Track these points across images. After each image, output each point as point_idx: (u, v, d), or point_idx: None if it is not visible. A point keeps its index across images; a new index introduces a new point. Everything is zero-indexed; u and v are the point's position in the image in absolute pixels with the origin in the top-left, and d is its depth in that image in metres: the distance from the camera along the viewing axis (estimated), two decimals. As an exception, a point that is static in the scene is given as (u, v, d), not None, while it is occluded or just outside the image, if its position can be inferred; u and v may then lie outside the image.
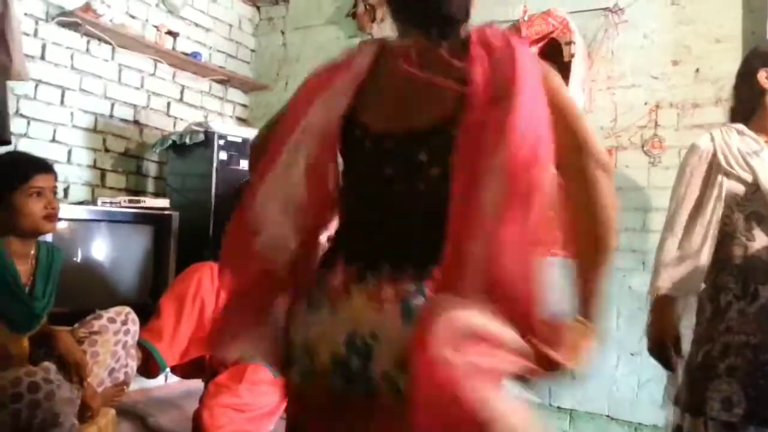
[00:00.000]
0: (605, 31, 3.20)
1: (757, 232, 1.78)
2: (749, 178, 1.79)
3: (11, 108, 2.79)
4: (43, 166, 1.93)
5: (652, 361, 2.94)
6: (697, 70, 3.04)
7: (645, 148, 3.13)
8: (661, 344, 1.86)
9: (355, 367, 1.00)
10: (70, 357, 1.84)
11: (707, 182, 1.85)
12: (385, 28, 3.80)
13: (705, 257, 1.80)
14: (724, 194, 1.81)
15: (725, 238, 1.83)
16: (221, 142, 3.30)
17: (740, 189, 1.81)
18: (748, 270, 1.78)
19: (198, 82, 3.94)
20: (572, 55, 2.95)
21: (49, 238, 2.39)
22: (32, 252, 1.94)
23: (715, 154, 1.84)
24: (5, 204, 1.83)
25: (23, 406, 1.52)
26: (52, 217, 1.91)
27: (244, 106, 4.33)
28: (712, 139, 1.87)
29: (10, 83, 2.72)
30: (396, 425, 0.95)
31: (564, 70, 2.95)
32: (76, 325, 2.00)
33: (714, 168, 1.85)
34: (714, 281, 1.84)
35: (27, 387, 1.53)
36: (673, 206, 1.90)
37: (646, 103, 3.14)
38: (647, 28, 3.15)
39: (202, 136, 3.29)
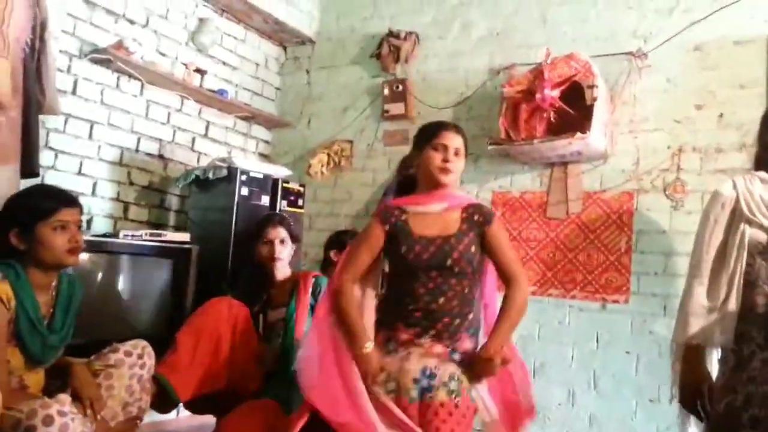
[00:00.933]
0: (628, 75, 3.21)
1: None
2: None
3: (41, 141, 2.85)
4: (70, 200, 1.95)
5: (672, 409, 2.88)
6: (721, 115, 3.03)
7: (667, 192, 3.10)
8: (695, 394, 1.81)
9: (425, 384, 1.87)
10: (85, 391, 1.84)
11: (730, 230, 1.82)
12: (408, 69, 3.86)
13: (733, 306, 1.76)
14: (746, 242, 1.78)
15: (748, 286, 1.78)
16: (243, 177, 3.34)
17: (762, 237, 1.78)
18: None
19: (223, 118, 4.02)
20: (595, 99, 2.96)
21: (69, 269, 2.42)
22: (53, 283, 1.95)
23: (737, 201, 1.82)
24: (30, 236, 1.84)
25: (37, 438, 1.51)
26: (75, 251, 1.90)
27: (267, 142, 4.39)
28: (735, 187, 1.85)
29: (42, 117, 2.79)
30: (446, 413, 1.83)
31: (586, 113, 2.96)
32: (92, 357, 2.00)
33: (737, 215, 1.82)
34: (737, 330, 1.80)
35: (42, 419, 1.52)
36: (699, 253, 1.87)
37: (668, 147, 3.13)
38: (670, 73, 3.16)
39: (225, 172, 3.33)
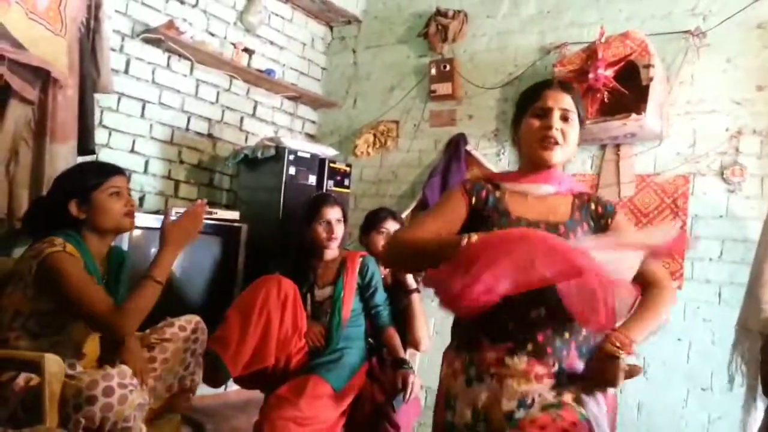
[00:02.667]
0: (686, 54, 3.10)
1: None
2: None
3: (96, 119, 2.92)
4: (118, 169, 2.04)
5: (725, 398, 2.82)
6: (784, 97, 2.91)
7: (724, 176, 3.00)
8: None
9: (521, 415, 1.40)
10: (134, 364, 1.88)
11: None
12: (456, 48, 3.81)
13: None
14: None
15: None
16: (291, 157, 3.36)
17: None
18: None
19: (270, 98, 4.04)
20: (651, 79, 2.87)
21: (125, 244, 2.48)
22: (106, 253, 2.02)
23: None
24: (88, 204, 1.92)
25: (97, 408, 1.56)
26: (131, 213, 1.99)
27: (313, 122, 4.40)
28: None
29: (96, 96, 2.85)
30: (537, 428, 1.36)
31: (641, 93, 2.88)
32: (147, 331, 2.05)
33: None
34: None
35: (103, 390, 1.57)
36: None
37: (727, 130, 3.02)
38: (730, 52, 3.04)
39: (273, 151, 3.36)
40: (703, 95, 3.09)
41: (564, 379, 1.44)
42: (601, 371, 1.40)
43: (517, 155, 1.74)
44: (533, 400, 1.42)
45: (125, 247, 2.44)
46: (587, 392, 1.42)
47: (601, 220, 1.60)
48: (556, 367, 1.45)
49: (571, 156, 1.65)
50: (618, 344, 1.38)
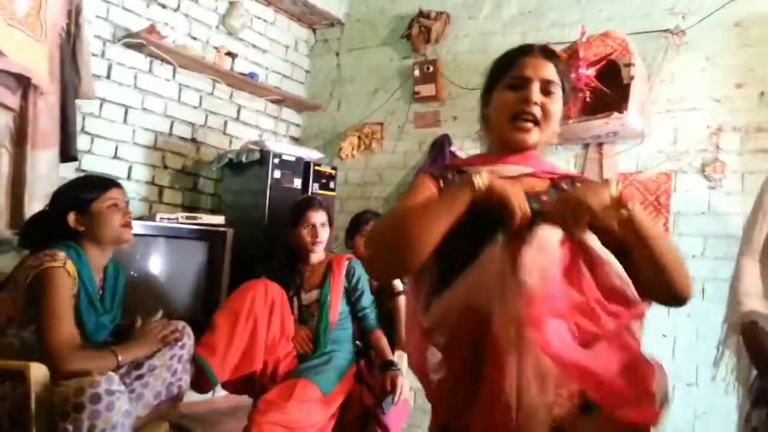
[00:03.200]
0: (665, 53, 3.14)
1: None
2: None
3: (77, 125, 2.90)
4: (115, 182, 2.07)
5: (710, 392, 2.85)
6: (762, 94, 2.95)
7: (705, 173, 3.04)
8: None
9: None
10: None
11: None
12: (439, 50, 3.82)
13: None
14: None
15: None
16: (276, 160, 3.35)
17: None
18: None
19: (254, 101, 4.03)
20: (631, 77, 2.90)
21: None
22: (104, 264, 2.05)
23: None
24: (88, 215, 1.95)
25: (85, 416, 1.54)
26: (129, 225, 2.03)
27: (297, 125, 4.40)
28: None
29: (78, 102, 2.83)
30: None
31: (623, 92, 2.91)
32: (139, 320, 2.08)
33: None
34: None
35: (89, 397, 1.56)
36: (749, 233, 1.88)
37: (707, 127, 3.06)
38: (709, 50, 3.08)
39: (258, 155, 3.35)
40: (684, 93, 3.13)
41: None
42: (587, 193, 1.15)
43: (485, 137, 1.43)
44: None
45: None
46: (550, 222, 1.16)
47: None
48: None
49: (552, 138, 1.37)
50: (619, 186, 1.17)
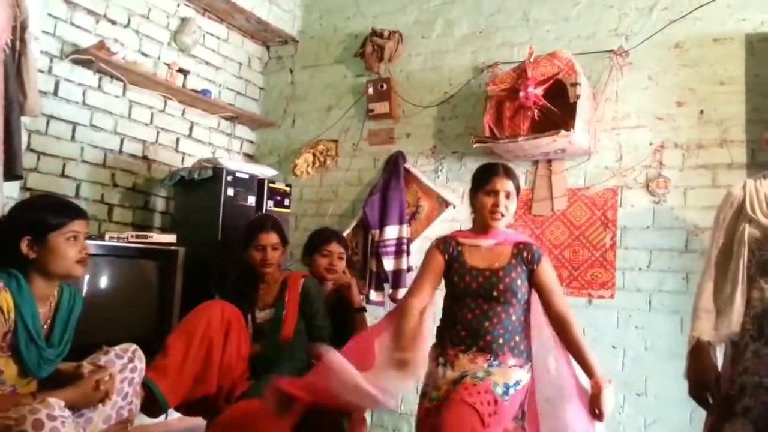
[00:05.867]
0: (610, 72, 3.25)
1: None
2: (767, 222, 1.82)
3: (23, 143, 2.82)
4: (82, 212, 1.93)
5: (660, 402, 2.93)
6: (702, 112, 3.08)
7: (650, 188, 3.14)
8: (701, 386, 1.87)
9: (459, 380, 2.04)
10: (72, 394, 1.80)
11: (734, 228, 1.90)
12: (392, 68, 3.87)
13: (738, 302, 1.83)
14: (746, 239, 1.84)
15: (748, 281, 1.85)
16: (229, 178, 3.32)
17: (757, 234, 1.84)
18: (764, 312, 1.79)
19: (207, 118, 3.99)
20: (578, 96, 2.99)
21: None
22: (53, 295, 1.92)
23: (743, 201, 1.89)
24: (43, 245, 1.82)
25: (28, 444, 1.50)
26: (84, 261, 1.90)
27: (251, 142, 4.38)
28: (744, 187, 1.94)
29: (23, 119, 2.75)
30: (463, 388, 1.94)
31: (569, 111, 2.99)
32: (84, 362, 1.98)
33: (742, 215, 1.89)
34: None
35: (31, 424, 1.52)
36: (709, 251, 1.98)
37: (650, 144, 3.17)
38: (651, 71, 3.20)
39: (210, 172, 3.31)
40: (628, 111, 3.24)
41: (495, 363, 2.09)
42: (596, 404, 2.06)
43: (473, 217, 2.36)
44: (468, 371, 2.05)
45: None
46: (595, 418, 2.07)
47: (530, 264, 2.21)
48: (491, 359, 2.10)
49: (510, 219, 2.31)
50: (602, 383, 2.05)
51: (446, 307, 2.27)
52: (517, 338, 2.16)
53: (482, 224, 2.27)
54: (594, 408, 2.06)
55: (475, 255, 2.23)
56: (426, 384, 2.17)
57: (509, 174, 2.26)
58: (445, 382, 2.09)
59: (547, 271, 2.23)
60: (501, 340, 2.12)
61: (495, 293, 2.14)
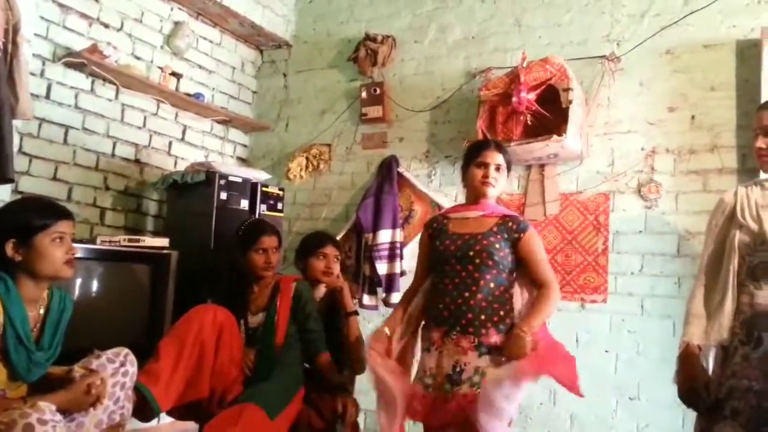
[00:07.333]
0: (602, 78, 3.27)
1: (764, 282, 1.82)
2: (756, 228, 1.84)
3: (14, 146, 2.81)
4: (67, 213, 1.92)
5: (652, 406, 2.94)
6: (693, 117, 3.10)
7: (642, 193, 3.16)
8: (691, 390, 1.88)
9: (456, 378, 2.09)
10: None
11: (725, 234, 1.92)
12: (386, 73, 3.88)
13: (728, 306, 1.84)
14: (737, 244, 1.87)
15: (738, 286, 1.87)
16: (222, 181, 3.32)
17: (748, 240, 1.87)
18: (753, 317, 1.81)
19: (200, 122, 3.99)
20: (570, 102, 3.00)
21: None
22: (43, 298, 1.91)
23: (734, 208, 1.92)
24: (28, 247, 1.80)
25: (19, 448, 1.49)
26: (71, 262, 1.88)
27: (244, 146, 4.37)
28: (736, 194, 1.96)
29: (15, 122, 2.74)
30: (469, 403, 2.02)
31: (562, 116, 3.01)
32: (75, 366, 1.97)
33: (733, 221, 1.92)
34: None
35: (22, 429, 1.50)
36: (702, 257, 2.02)
37: (642, 149, 3.19)
38: (643, 76, 3.22)
39: (203, 176, 3.31)
40: (620, 116, 3.26)
41: (483, 350, 2.10)
42: (513, 346, 2.05)
43: (464, 190, 2.41)
44: (461, 368, 2.09)
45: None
46: (506, 361, 2.06)
47: (514, 234, 2.22)
48: (476, 341, 2.11)
49: (500, 192, 2.41)
50: (525, 329, 2.05)
51: (432, 284, 2.30)
52: (501, 312, 2.14)
53: (473, 195, 2.31)
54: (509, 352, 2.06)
55: (460, 224, 2.28)
56: (419, 368, 2.25)
57: (500, 148, 2.32)
58: (439, 372, 2.13)
59: (533, 242, 2.23)
60: (483, 316, 2.12)
61: (471, 253, 2.16)
